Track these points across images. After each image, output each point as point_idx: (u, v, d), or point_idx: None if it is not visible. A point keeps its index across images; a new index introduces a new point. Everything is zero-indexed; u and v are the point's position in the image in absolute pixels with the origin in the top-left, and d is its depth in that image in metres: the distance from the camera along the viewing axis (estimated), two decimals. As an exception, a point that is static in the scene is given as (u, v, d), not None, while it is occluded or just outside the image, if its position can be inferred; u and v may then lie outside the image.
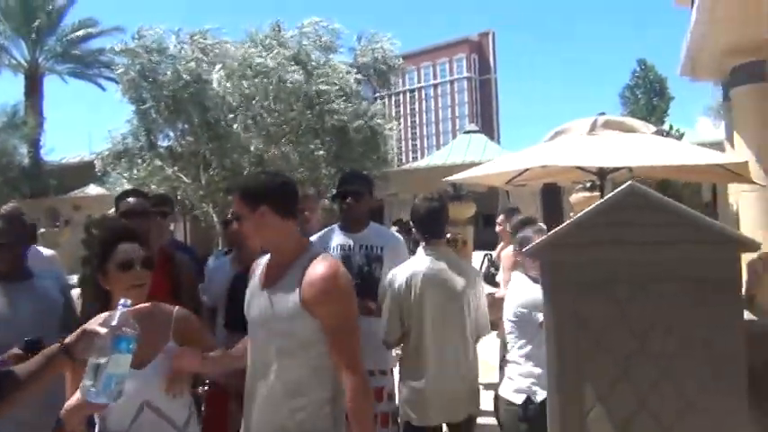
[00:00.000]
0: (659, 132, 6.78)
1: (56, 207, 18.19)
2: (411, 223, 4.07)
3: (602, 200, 1.95)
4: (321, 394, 2.26)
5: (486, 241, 10.27)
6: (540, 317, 2.81)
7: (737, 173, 5.89)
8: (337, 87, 13.69)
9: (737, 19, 6.63)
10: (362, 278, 3.58)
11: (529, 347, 3.24)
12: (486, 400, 4.07)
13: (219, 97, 13.09)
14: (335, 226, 3.89)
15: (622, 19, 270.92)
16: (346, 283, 2.32)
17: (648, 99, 22.32)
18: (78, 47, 25.57)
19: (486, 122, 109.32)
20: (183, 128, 14.21)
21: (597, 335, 1.85)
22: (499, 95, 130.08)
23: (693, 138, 16.18)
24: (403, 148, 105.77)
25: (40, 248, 5.19)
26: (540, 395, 3.05)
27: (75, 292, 9.08)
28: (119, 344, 1.75)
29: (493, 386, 3.88)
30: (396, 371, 3.74)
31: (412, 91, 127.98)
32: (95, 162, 14.52)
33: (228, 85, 13.01)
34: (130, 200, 3.63)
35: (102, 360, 1.72)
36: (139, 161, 13.64)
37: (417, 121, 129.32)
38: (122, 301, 1.85)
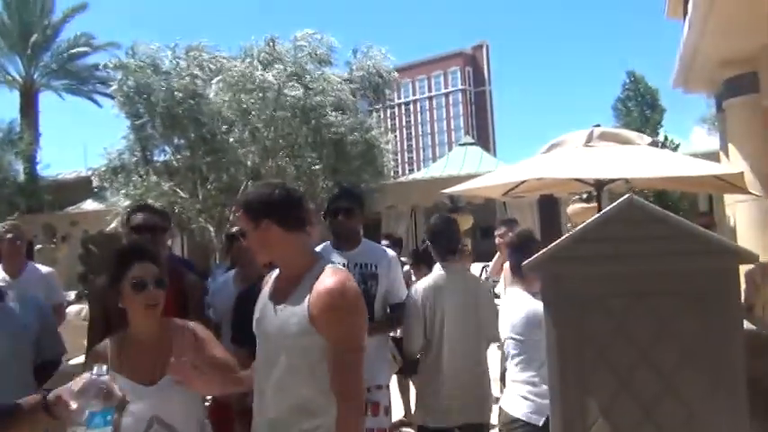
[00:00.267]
0: (654, 144, 6.82)
1: (52, 223, 18.15)
2: (426, 242, 4.28)
3: (601, 213, 1.97)
4: (334, 417, 2.10)
5: (484, 252, 10.27)
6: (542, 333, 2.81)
7: (733, 183, 5.93)
8: (333, 100, 13.74)
9: (730, 31, 6.70)
10: None
11: (534, 364, 3.18)
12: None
13: (215, 112, 13.12)
14: (328, 244, 3.78)
15: (614, 31, 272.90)
16: (355, 297, 2.18)
17: (641, 111, 22.38)
18: (74, 63, 25.63)
19: (482, 134, 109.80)
20: (179, 143, 14.21)
21: (599, 347, 1.86)
22: (494, 107, 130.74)
23: (688, 148, 16.24)
24: (399, 161, 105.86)
25: (38, 266, 5.19)
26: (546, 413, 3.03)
27: (73, 309, 9.02)
28: (92, 419, 1.62)
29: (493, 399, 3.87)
30: (394, 384, 3.75)
31: (407, 104, 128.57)
32: (92, 178, 14.50)
33: (226, 99, 13.04)
34: (141, 215, 3.62)
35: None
36: (136, 177, 13.63)
37: (413, 134, 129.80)
38: (96, 369, 1.71)
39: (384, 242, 5.95)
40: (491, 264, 6.83)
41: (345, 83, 14.43)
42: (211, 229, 13.63)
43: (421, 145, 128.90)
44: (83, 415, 1.63)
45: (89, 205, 18.95)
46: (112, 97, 14.30)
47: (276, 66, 13.39)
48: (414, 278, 5.57)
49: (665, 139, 16.98)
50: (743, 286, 4.82)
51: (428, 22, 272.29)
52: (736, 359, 1.80)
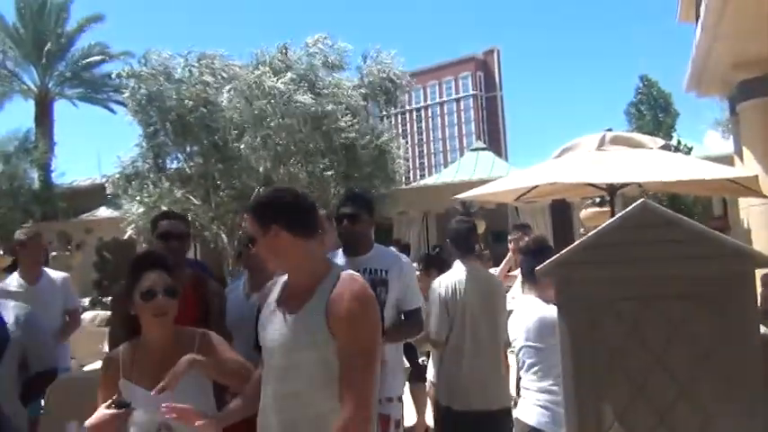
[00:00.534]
0: (667, 147, 6.78)
1: (67, 230, 18.29)
2: (438, 248, 4.65)
3: (615, 217, 1.97)
4: None
5: (496, 257, 10.25)
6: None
7: (748, 186, 5.89)
8: (344, 106, 13.77)
9: (742, 34, 6.66)
10: None
11: (553, 371, 3.10)
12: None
13: (227, 119, 13.20)
14: (340, 250, 3.70)
15: (626, 36, 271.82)
16: (373, 307, 2.13)
17: (654, 115, 22.26)
18: (88, 71, 25.86)
19: (494, 139, 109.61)
20: (192, 150, 14.30)
21: (612, 352, 1.85)
22: (506, 113, 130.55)
23: (702, 152, 16.11)
24: (410, 166, 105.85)
25: (52, 271, 5.22)
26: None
27: (88, 316, 9.09)
28: None
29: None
30: (406, 396, 3.73)
31: (418, 110, 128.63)
32: (107, 186, 14.61)
33: (238, 106, 13.11)
34: (168, 222, 3.64)
35: None
36: (149, 184, 13.72)
37: (424, 139, 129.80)
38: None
39: (392, 248, 5.89)
40: (498, 270, 6.81)
41: (356, 88, 14.46)
42: (224, 235, 13.69)
43: (432, 151, 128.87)
44: None
45: (103, 212, 19.06)
46: (126, 105, 14.42)
47: (287, 73, 13.44)
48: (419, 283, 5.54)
49: (678, 142, 16.86)
50: (759, 290, 4.79)
51: (439, 28, 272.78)
52: (753, 364, 1.79)
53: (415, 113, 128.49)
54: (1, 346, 2.92)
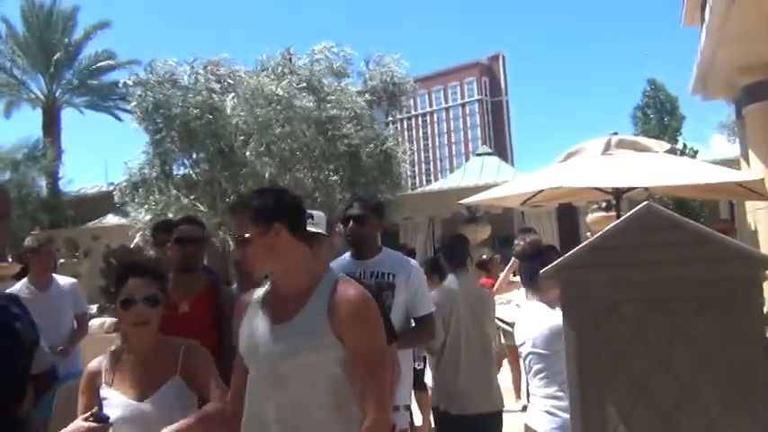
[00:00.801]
0: (672, 151, 6.78)
1: (74, 238, 18.36)
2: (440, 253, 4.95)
3: (618, 220, 1.97)
4: None
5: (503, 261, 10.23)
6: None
7: (754, 190, 5.88)
8: (348, 112, 13.79)
9: (747, 38, 6.65)
10: None
11: (558, 377, 3.08)
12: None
13: (232, 126, 13.25)
14: (348, 253, 3.64)
15: (631, 38, 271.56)
16: (377, 309, 2.15)
17: (660, 118, 22.22)
18: (96, 79, 26.00)
19: (499, 144, 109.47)
20: (198, 156, 14.36)
21: (615, 355, 1.86)
22: (511, 117, 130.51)
23: (708, 155, 16.08)
24: (416, 172, 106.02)
25: (58, 277, 5.24)
26: None
27: (96, 322, 9.12)
28: None
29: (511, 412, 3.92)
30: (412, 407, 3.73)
31: (424, 115, 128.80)
32: (114, 194, 14.69)
33: (242, 113, 13.16)
34: (185, 227, 3.67)
35: None
36: (156, 191, 13.78)
37: (430, 145, 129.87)
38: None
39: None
40: (501, 275, 6.80)
41: (360, 94, 14.48)
42: (231, 241, 13.73)
43: (438, 156, 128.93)
44: None
45: (110, 220, 19.16)
46: (132, 113, 14.50)
47: (288, 77, 13.47)
48: None
49: (684, 146, 16.82)
50: (766, 294, 4.77)
51: (443, 34, 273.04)
52: (757, 368, 1.78)
53: (420, 119, 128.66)
54: (33, 347, 2.87)
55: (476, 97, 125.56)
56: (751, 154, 8.14)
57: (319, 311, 2.06)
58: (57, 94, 25.22)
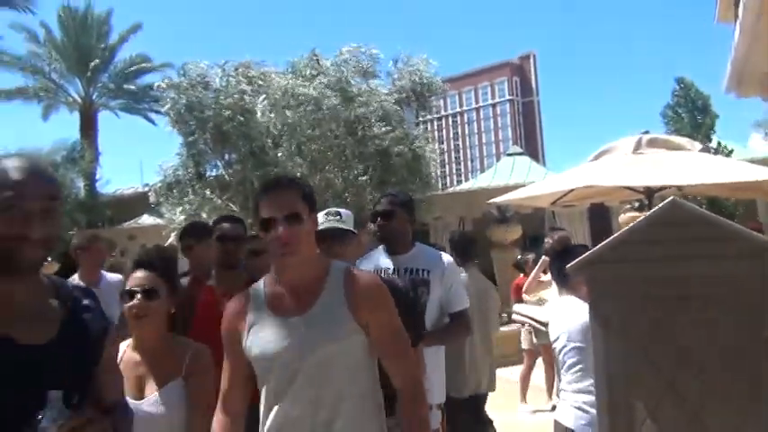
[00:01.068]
0: (706, 149, 6.68)
1: (112, 237, 18.75)
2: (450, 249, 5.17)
3: (645, 215, 1.98)
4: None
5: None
6: None
7: (790, 189, 5.77)
8: (377, 112, 13.81)
9: (783, 33, 6.53)
10: (406, 305, 2.74)
11: (591, 372, 3.07)
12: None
13: (264, 127, 13.39)
14: (381, 247, 3.58)
15: (662, 36, 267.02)
16: (388, 289, 2.15)
17: (692, 117, 21.84)
18: (131, 82, 26.51)
19: (530, 144, 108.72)
20: (230, 158, 14.54)
21: (642, 348, 1.87)
22: (542, 117, 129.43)
23: (745, 154, 15.74)
24: (447, 172, 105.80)
25: (107, 274, 5.37)
26: None
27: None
28: None
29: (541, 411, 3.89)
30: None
31: (454, 115, 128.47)
32: (149, 194, 14.97)
33: (272, 115, 13.29)
34: (226, 225, 3.76)
35: None
36: (190, 191, 13.99)
37: (461, 145, 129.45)
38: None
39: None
40: (532, 273, 6.77)
41: (389, 94, 14.51)
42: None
43: (469, 156, 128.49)
44: None
45: (146, 220, 19.50)
46: (166, 115, 14.75)
47: (317, 78, 13.58)
48: None
49: (718, 144, 16.51)
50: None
51: (474, 34, 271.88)
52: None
53: (450, 119, 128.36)
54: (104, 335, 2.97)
55: (507, 97, 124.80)
56: (788, 152, 7.98)
57: (337, 301, 2.03)
58: (93, 97, 25.76)
